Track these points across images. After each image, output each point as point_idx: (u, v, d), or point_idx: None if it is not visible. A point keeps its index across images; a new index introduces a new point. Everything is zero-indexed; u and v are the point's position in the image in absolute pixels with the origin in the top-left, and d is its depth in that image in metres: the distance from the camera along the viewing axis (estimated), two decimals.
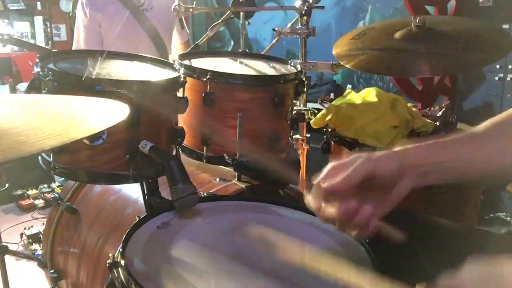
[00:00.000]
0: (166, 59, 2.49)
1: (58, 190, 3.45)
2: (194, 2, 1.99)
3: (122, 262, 0.77)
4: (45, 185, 3.62)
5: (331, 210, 0.77)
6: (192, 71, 1.35)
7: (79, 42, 2.44)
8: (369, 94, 1.59)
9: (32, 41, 5.98)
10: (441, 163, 0.77)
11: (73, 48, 2.50)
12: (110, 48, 2.38)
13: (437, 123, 1.57)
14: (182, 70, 1.32)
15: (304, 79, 1.57)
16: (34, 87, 1.15)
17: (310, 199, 0.82)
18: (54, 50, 1.35)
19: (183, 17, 2.59)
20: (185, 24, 2.74)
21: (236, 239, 0.91)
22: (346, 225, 0.77)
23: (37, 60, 1.16)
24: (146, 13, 2.44)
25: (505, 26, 2.84)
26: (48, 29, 5.81)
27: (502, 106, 3.02)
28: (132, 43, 2.42)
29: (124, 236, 0.85)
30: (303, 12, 1.75)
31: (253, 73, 1.49)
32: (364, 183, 0.75)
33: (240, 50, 1.78)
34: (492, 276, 0.57)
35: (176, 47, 2.69)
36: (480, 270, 0.58)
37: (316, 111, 1.72)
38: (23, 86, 4.17)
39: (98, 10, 2.38)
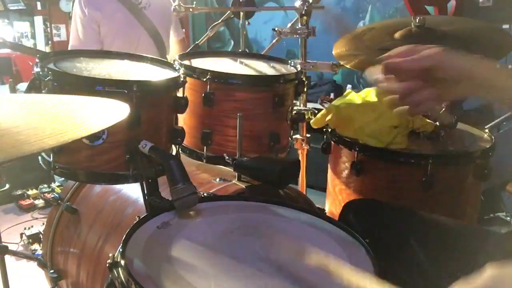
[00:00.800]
0: (165, 57, 2.52)
1: (58, 190, 3.45)
2: (194, 2, 1.99)
3: (122, 262, 0.77)
4: (45, 185, 3.62)
5: (393, 83, 0.83)
6: (192, 71, 1.35)
7: (79, 38, 2.44)
8: (369, 94, 1.59)
9: (32, 41, 5.99)
10: (491, 83, 0.81)
11: (71, 44, 2.49)
12: (111, 46, 2.40)
13: (437, 123, 1.57)
14: (182, 70, 1.32)
15: (304, 79, 1.57)
16: (34, 87, 1.15)
17: (373, 69, 0.87)
18: (48, 52, 1.35)
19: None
20: (179, 23, 2.75)
21: (236, 239, 0.91)
22: (403, 99, 0.82)
23: (37, 60, 1.16)
24: (144, 11, 2.45)
25: (505, 26, 2.84)
26: (48, 29, 5.81)
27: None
28: (132, 41, 2.43)
29: (124, 236, 0.85)
30: (303, 12, 1.75)
31: (253, 73, 1.49)
32: (428, 73, 0.79)
33: (240, 50, 1.78)
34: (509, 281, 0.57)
35: (171, 45, 2.70)
36: (497, 275, 0.57)
37: (316, 111, 1.73)
38: (23, 86, 4.17)
39: (96, 9, 2.38)
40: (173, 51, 2.69)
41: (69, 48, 2.49)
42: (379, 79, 0.85)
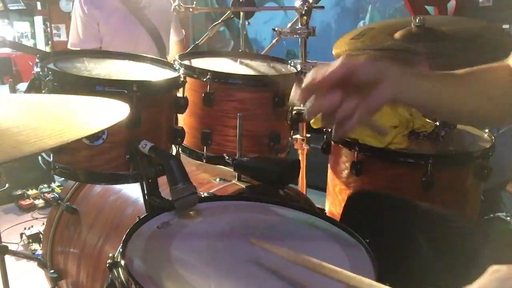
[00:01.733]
0: (165, 56, 2.52)
1: (58, 190, 3.45)
2: (194, 2, 1.99)
3: (122, 262, 0.77)
4: (45, 185, 3.62)
5: (315, 102, 0.79)
6: (192, 71, 1.35)
7: (78, 36, 2.44)
8: None
9: (32, 41, 5.99)
10: (418, 86, 0.79)
11: (70, 42, 2.49)
12: (110, 45, 2.40)
13: (437, 123, 1.57)
14: (182, 70, 1.32)
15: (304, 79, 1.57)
16: (34, 87, 1.15)
17: (294, 93, 0.83)
18: (48, 52, 1.35)
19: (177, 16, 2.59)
20: (179, 23, 2.75)
21: (236, 239, 0.91)
22: (330, 119, 0.79)
23: (37, 60, 1.16)
24: (144, 11, 2.45)
25: (505, 26, 2.84)
26: (48, 29, 5.82)
27: None
28: (131, 40, 2.43)
29: (124, 236, 0.85)
30: (303, 12, 1.75)
31: (253, 73, 1.49)
32: (346, 84, 0.76)
33: (240, 50, 1.78)
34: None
35: (171, 45, 2.70)
36: (501, 277, 0.57)
37: None
38: (23, 86, 4.17)
39: (96, 7, 2.38)
40: (173, 52, 2.69)
41: (68, 46, 2.49)
42: (303, 100, 0.82)
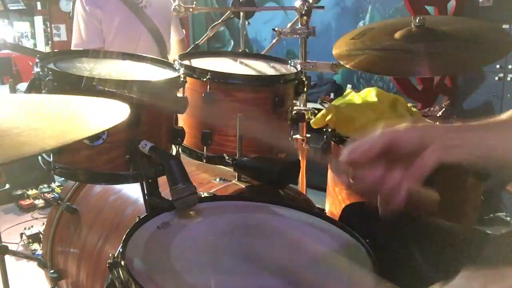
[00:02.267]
0: (166, 56, 2.52)
1: (58, 190, 3.45)
2: (194, 2, 1.99)
3: (122, 262, 0.77)
4: (45, 185, 3.62)
5: (359, 181, 0.75)
6: (192, 71, 1.35)
7: (81, 36, 2.44)
8: (369, 94, 1.59)
9: (32, 41, 5.99)
10: (466, 141, 0.75)
11: (73, 43, 2.50)
12: (112, 45, 2.41)
13: (437, 123, 1.57)
14: (182, 70, 1.32)
15: (304, 79, 1.57)
16: (34, 87, 1.15)
17: (336, 172, 0.79)
18: (48, 52, 1.35)
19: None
20: (179, 23, 2.75)
21: (236, 239, 0.91)
22: (375, 195, 0.74)
23: (37, 60, 1.16)
24: (145, 10, 2.45)
25: (505, 26, 2.84)
26: (48, 29, 5.81)
27: (502, 106, 3.02)
28: (133, 40, 2.43)
29: (124, 236, 0.85)
30: (303, 12, 1.75)
31: (253, 73, 1.49)
32: (387, 156, 0.73)
33: (240, 50, 1.78)
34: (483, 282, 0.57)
35: (172, 44, 2.71)
36: (469, 277, 0.57)
37: (316, 111, 1.73)
38: (23, 86, 4.17)
39: (98, 7, 2.39)
40: (174, 51, 2.70)
41: (72, 47, 2.50)
42: (347, 184, 0.78)
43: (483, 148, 0.75)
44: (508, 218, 2.82)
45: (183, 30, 2.82)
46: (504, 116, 0.81)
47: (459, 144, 0.73)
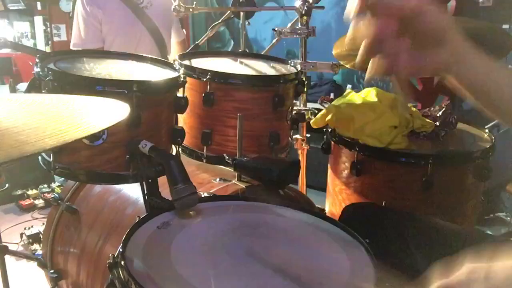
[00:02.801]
0: (166, 56, 2.52)
1: (58, 190, 3.45)
2: (194, 2, 1.99)
3: (122, 262, 0.77)
4: (45, 185, 3.62)
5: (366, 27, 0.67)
6: (192, 71, 1.35)
7: (81, 36, 2.44)
8: (369, 94, 1.59)
9: (32, 41, 5.99)
10: (476, 61, 0.73)
11: (72, 42, 2.50)
12: (112, 45, 2.40)
13: (437, 123, 1.57)
14: (182, 70, 1.32)
15: (304, 79, 1.57)
16: (34, 87, 1.15)
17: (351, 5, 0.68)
18: (48, 52, 1.35)
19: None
20: (179, 24, 2.75)
21: (236, 239, 0.91)
22: (375, 49, 0.67)
23: (37, 60, 1.16)
24: (145, 11, 2.45)
25: (505, 26, 2.84)
26: (48, 29, 5.81)
27: None
28: (133, 40, 2.43)
29: (124, 236, 0.85)
30: (303, 12, 1.75)
31: (253, 73, 1.49)
32: (408, 23, 0.66)
33: (240, 50, 1.78)
34: (482, 272, 0.57)
35: (172, 46, 2.70)
36: (470, 272, 0.57)
37: (316, 111, 1.73)
38: (23, 86, 4.17)
39: (98, 7, 2.39)
40: (174, 52, 2.69)
41: (71, 47, 2.50)
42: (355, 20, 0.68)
43: (489, 75, 0.73)
44: (508, 218, 2.82)
45: (184, 31, 2.82)
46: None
47: (470, 62, 0.72)
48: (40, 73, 1.12)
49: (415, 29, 0.66)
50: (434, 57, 0.68)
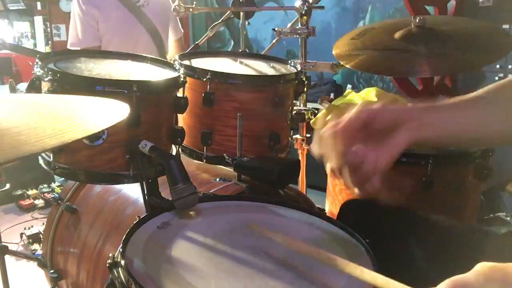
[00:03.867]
0: (164, 55, 2.52)
1: (58, 190, 3.45)
2: (194, 2, 1.99)
3: (122, 262, 0.77)
4: (45, 185, 3.62)
5: (336, 159, 0.78)
6: (192, 71, 1.35)
7: (77, 35, 2.44)
8: (369, 94, 1.59)
9: (32, 41, 5.99)
10: (435, 120, 0.78)
11: (69, 42, 2.50)
12: (109, 44, 2.40)
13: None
14: (182, 70, 1.32)
15: (304, 79, 1.57)
16: (34, 87, 1.15)
17: (315, 146, 0.82)
18: (48, 52, 1.35)
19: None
20: (179, 22, 2.75)
21: (236, 239, 0.91)
22: (352, 176, 0.78)
23: (37, 60, 1.16)
24: (142, 9, 2.45)
25: (505, 26, 2.84)
26: (48, 29, 5.81)
27: None
28: (131, 39, 2.43)
29: (124, 236, 0.85)
30: (303, 12, 1.75)
31: (253, 73, 1.49)
32: (363, 133, 0.76)
33: (240, 50, 1.78)
34: (500, 273, 0.57)
35: (170, 44, 2.70)
36: (488, 273, 0.57)
37: (316, 111, 1.73)
38: (23, 86, 4.17)
39: (95, 6, 2.39)
40: (171, 51, 2.69)
41: (68, 46, 2.50)
42: (322, 155, 0.81)
43: (452, 126, 0.79)
44: (508, 218, 2.82)
45: (182, 30, 2.82)
46: (480, 91, 0.84)
47: (428, 123, 0.77)
48: (40, 73, 1.12)
49: (374, 131, 0.76)
50: (395, 143, 0.76)
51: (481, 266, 0.56)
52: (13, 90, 3.59)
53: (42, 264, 1.59)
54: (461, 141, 0.86)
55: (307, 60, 1.79)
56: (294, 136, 1.74)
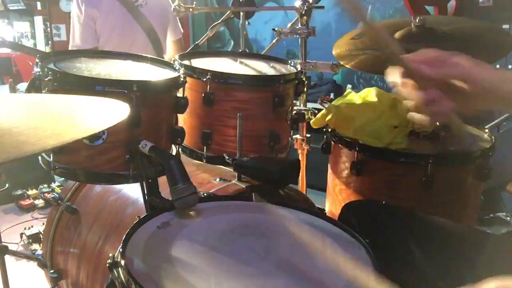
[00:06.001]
0: (161, 56, 2.51)
1: (58, 190, 3.45)
2: (194, 2, 1.99)
3: (122, 262, 0.77)
4: (45, 185, 3.62)
5: (412, 91, 0.79)
6: (192, 71, 1.35)
7: (75, 39, 2.44)
8: (369, 94, 1.59)
9: (32, 41, 5.99)
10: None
11: (71, 45, 2.49)
12: (106, 43, 2.40)
13: (437, 123, 1.57)
14: (182, 70, 1.32)
15: (304, 79, 1.57)
16: (34, 87, 1.15)
17: (392, 71, 0.82)
18: (48, 52, 1.35)
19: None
20: (179, 23, 2.74)
21: (236, 239, 0.91)
22: (420, 107, 0.79)
23: (37, 60, 1.16)
24: (140, 9, 2.45)
25: (505, 26, 2.84)
26: (48, 29, 5.81)
27: None
28: (127, 39, 2.42)
29: (124, 236, 0.85)
30: (303, 12, 1.75)
31: (253, 73, 1.49)
32: (451, 84, 0.77)
33: (240, 50, 1.78)
34: None
35: (168, 44, 2.69)
36: (501, 285, 0.57)
37: (316, 111, 1.73)
38: (23, 86, 4.17)
39: (93, 6, 2.38)
40: (170, 52, 2.68)
41: (69, 48, 2.49)
42: (396, 83, 0.81)
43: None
44: (508, 218, 2.81)
45: (182, 31, 2.81)
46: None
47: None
48: (40, 73, 1.12)
49: (458, 90, 0.77)
50: (475, 105, 0.79)
51: (493, 283, 0.56)
52: (13, 90, 3.59)
53: (42, 264, 1.59)
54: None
55: (307, 60, 1.79)
56: (294, 136, 1.74)
